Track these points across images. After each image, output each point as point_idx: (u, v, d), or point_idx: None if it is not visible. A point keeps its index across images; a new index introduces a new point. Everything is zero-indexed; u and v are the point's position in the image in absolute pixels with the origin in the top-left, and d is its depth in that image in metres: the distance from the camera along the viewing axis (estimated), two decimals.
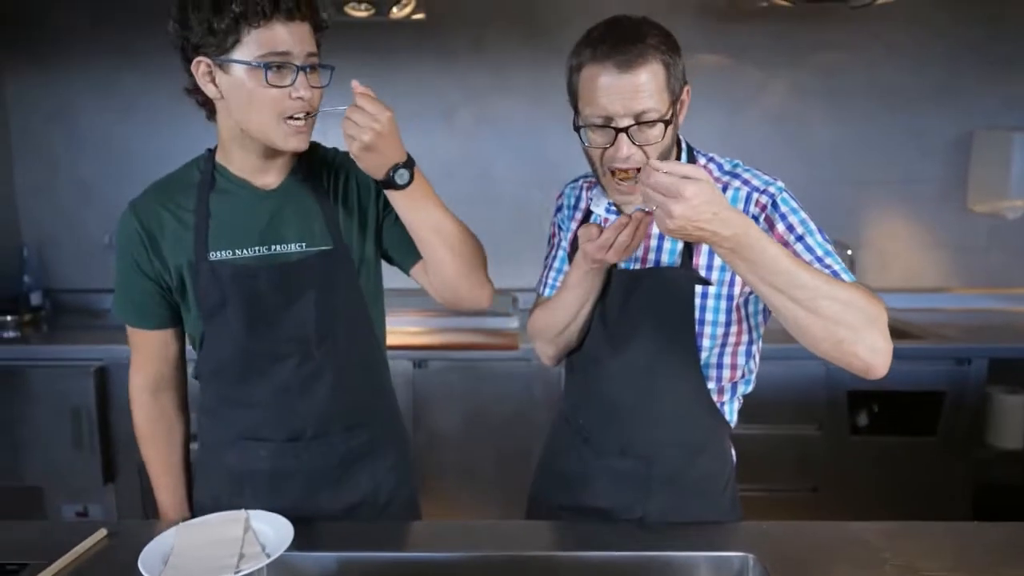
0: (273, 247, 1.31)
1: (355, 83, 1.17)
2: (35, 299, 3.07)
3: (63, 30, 3.02)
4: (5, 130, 3.10)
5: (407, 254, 1.37)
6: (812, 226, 1.21)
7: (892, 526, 1.29)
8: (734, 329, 1.31)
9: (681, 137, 1.32)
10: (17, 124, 3.12)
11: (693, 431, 1.37)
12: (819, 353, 1.13)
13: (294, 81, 1.18)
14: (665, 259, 1.30)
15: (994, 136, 2.97)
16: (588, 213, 1.39)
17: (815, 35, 3.03)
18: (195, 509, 1.45)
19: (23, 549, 1.22)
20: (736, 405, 1.39)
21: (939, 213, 3.15)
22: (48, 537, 1.27)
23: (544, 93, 3.02)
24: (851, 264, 3.09)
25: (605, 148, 1.19)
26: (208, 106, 1.27)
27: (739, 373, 1.35)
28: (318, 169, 1.36)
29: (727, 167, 1.30)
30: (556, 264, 1.47)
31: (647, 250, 1.31)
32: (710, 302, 1.28)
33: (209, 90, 1.21)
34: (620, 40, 1.15)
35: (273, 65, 1.16)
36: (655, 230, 1.29)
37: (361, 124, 1.15)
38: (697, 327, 1.29)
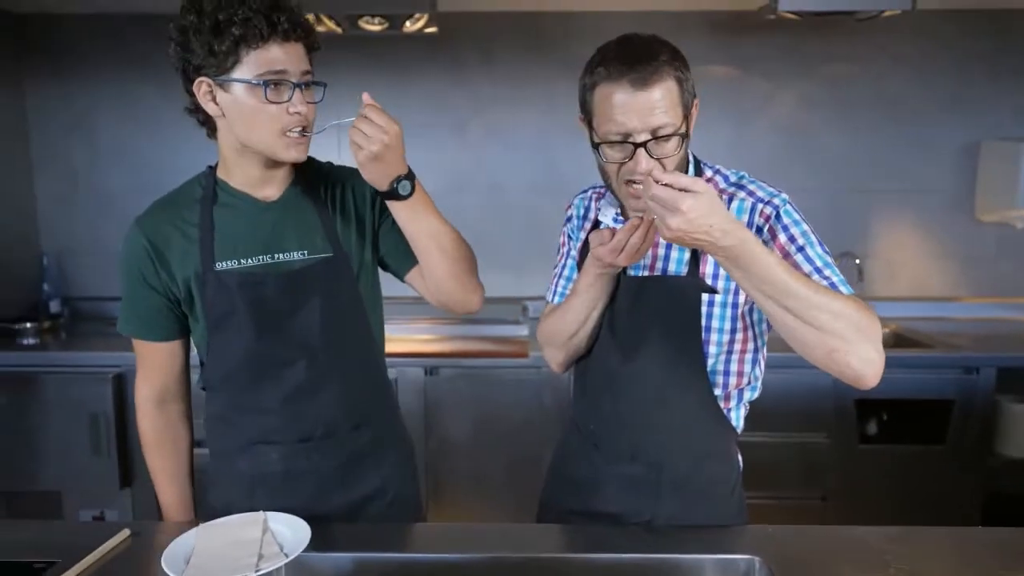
0: (277, 255, 1.35)
1: (366, 95, 1.23)
2: (54, 307, 3.12)
3: (83, 43, 3.08)
4: (26, 142, 3.15)
5: (402, 261, 1.43)
6: (813, 238, 1.23)
7: (896, 530, 1.30)
8: (739, 336, 1.33)
9: (688, 149, 1.35)
10: (38, 136, 3.17)
11: (701, 437, 1.39)
12: (812, 361, 1.15)
13: (291, 97, 1.24)
14: (672, 268, 1.33)
15: (1002, 146, 2.98)
16: (597, 223, 1.42)
17: (822, 47, 3.05)
18: (207, 515, 1.47)
19: (48, 548, 1.25)
20: (743, 411, 1.41)
21: (947, 223, 3.16)
22: (72, 537, 1.31)
23: (553, 105, 3.06)
24: (859, 273, 3.10)
25: (623, 162, 1.22)
26: (209, 124, 1.32)
27: (745, 380, 1.37)
28: (315, 181, 1.41)
29: (732, 179, 1.33)
30: (565, 273, 1.50)
31: (655, 258, 1.34)
32: (716, 310, 1.31)
33: (210, 108, 1.27)
34: (633, 59, 1.18)
35: (271, 83, 1.22)
36: (662, 239, 1.32)
37: (370, 135, 1.20)
38: (704, 334, 1.32)
